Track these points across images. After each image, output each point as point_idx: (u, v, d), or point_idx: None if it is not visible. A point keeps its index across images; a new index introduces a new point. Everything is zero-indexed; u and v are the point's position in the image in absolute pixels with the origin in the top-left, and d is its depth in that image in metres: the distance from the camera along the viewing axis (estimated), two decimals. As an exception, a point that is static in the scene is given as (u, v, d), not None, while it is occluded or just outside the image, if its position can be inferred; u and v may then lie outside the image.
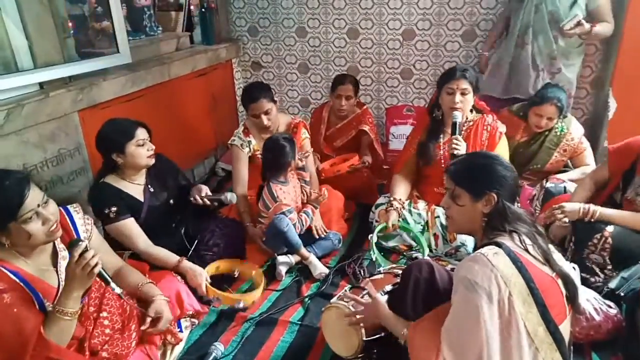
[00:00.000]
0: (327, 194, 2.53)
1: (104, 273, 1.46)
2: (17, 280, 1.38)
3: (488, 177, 1.40)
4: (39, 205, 1.39)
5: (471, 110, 2.44)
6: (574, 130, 2.58)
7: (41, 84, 2.19)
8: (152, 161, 2.07)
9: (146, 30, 3.18)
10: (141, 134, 2.02)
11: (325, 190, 2.55)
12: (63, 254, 1.54)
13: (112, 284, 1.50)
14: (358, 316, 1.61)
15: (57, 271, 1.52)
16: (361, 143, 3.15)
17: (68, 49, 2.33)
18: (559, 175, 2.53)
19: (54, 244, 1.54)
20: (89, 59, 2.45)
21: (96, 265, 1.38)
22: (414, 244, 2.46)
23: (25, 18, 2.06)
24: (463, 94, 2.32)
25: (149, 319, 1.63)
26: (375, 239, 2.35)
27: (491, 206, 1.38)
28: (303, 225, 2.41)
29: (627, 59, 2.82)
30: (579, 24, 2.50)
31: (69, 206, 1.64)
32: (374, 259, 2.27)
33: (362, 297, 1.69)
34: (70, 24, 2.49)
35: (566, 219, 2.01)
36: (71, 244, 1.41)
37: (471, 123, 2.44)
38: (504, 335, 1.23)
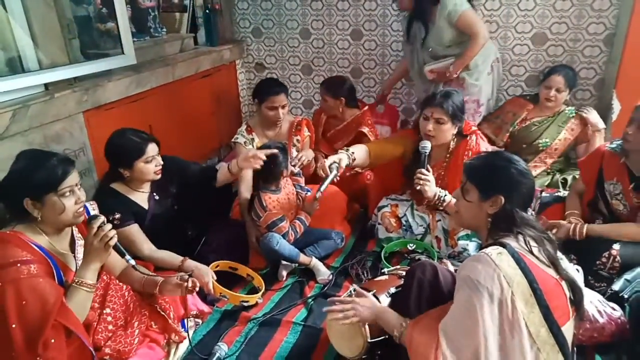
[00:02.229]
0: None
1: (119, 246, 1.55)
2: (42, 253, 1.44)
3: (500, 179, 1.40)
4: (76, 185, 1.52)
5: (454, 137, 2.33)
6: (582, 113, 2.82)
7: (46, 85, 2.20)
8: (159, 176, 2.07)
9: (150, 31, 3.19)
10: (151, 150, 2.00)
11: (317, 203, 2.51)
12: (80, 242, 1.62)
13: (127, 256, 1.58)
14: (352, 313, 1.55)
15: (74, 257, 1.58)
16: None
17: (73, 50, 2.34)
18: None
19: (72, 232, 1.61)
20: (94, 60, 2.46)
21: (112, 237, 1.48)
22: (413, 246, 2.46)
23: (31, 19, 2.08)
24: (438, 122, 2.23)
25: (184, 280, 1.71)
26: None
27: (496, 208, 1.38)
28: (297, 232, 2.38)
29: (632, 61, 2.81)
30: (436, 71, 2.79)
31: (86, 202, 1.70)
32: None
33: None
34: (75, 25, 2.51)
35: (560, 236, 2.08)
36: (89, 219, 1.50)
37: (452, 152, 2.34)
38: (505, 335, 1.23)
